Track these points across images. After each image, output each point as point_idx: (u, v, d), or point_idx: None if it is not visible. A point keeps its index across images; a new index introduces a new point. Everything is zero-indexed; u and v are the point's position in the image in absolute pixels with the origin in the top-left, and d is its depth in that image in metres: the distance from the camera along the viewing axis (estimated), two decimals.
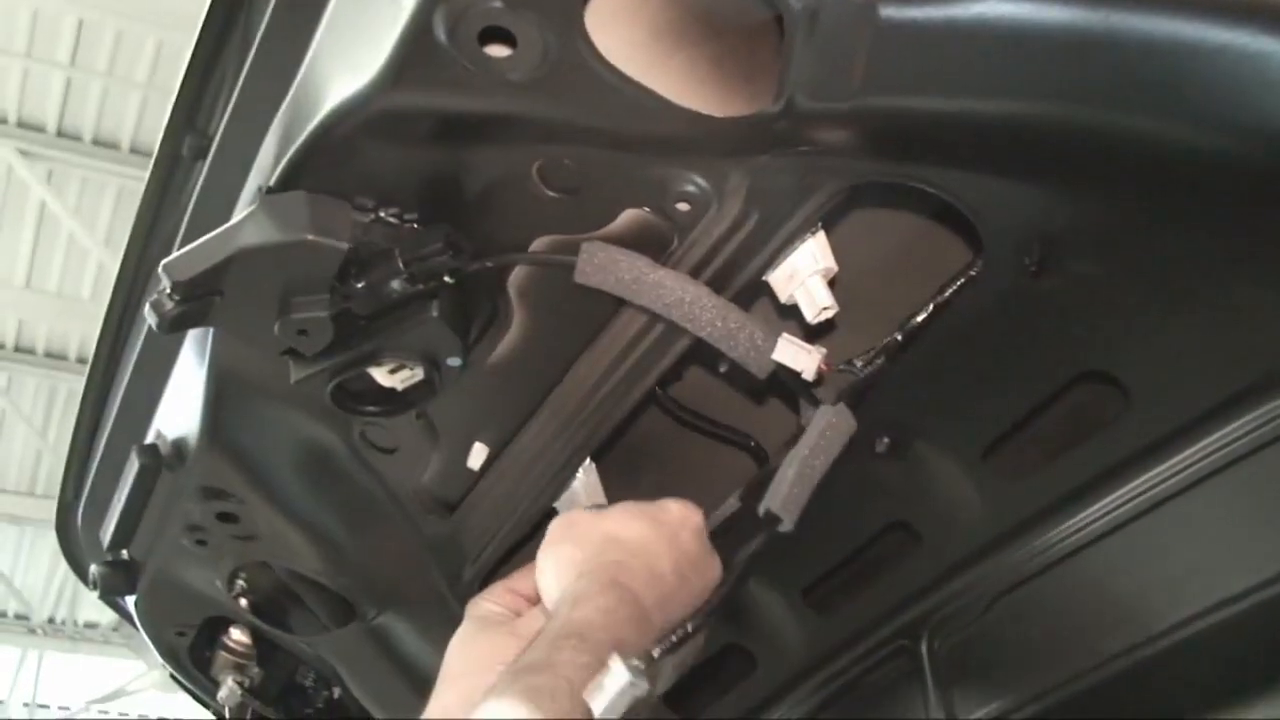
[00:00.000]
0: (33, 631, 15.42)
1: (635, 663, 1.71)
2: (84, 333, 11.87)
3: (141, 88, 9.75)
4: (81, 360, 12.21)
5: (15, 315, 11.86)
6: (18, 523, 13.60)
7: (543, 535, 2.14)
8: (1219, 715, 1.55)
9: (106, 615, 14.14)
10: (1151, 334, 1.54)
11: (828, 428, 1.64)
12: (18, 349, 12.36)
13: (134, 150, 10.21)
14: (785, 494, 1.66)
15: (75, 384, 12.34)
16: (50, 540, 13.35)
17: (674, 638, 1.77)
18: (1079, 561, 1.70)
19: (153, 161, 1.92)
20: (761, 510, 1.69)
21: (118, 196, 10.59)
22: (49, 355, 12.43)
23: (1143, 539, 1.63)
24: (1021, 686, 1.72)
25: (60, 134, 10.24)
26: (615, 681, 1.73)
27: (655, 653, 1.75)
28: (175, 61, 9.45)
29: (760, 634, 2.15)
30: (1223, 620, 1.49)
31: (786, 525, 1.67)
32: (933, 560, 1.91)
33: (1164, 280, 1.49)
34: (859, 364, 1.66)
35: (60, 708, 16.99)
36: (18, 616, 15.38)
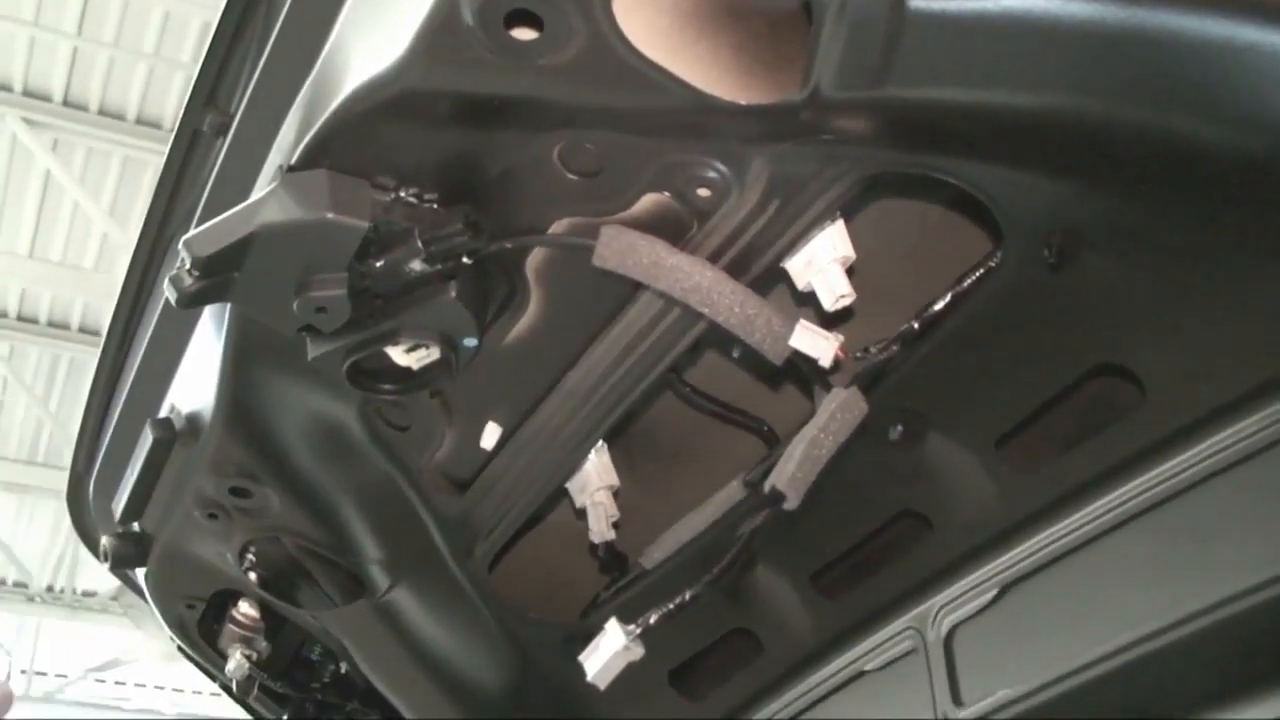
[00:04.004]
0: (31, 599, 15.44)
1: (632, 627, 1.74)
2: (87, 302, 11.87)
3: (149, 58, 9.72)
4: (84, 330, 12.21)
5: (18, 284, 11.83)
6: (18, 491, 13.60)
7: (553, 516, 2.16)
8: (1229, 708, 1.55)
9: (105, 584, 14.17)
10: (1169, 329, 1.55)
11: (838, 410, 1.65)
12: (20, 318, 12.35)
13: (140, 121, 10.17)
14: (791, 472, 1.67)
15: (78, 353, 12.35)
16: (50, 508, 13.37)
17: (672, 605, 1.79)
18: (1090, 553, 1.71)
19: (172, 137, 1.93)
20: (767, 488, 1.70)
21: (123, 166, 10.57)
22: (52, 324, 12.42)
23: (1154, 533, 1.63)
24: (1029, 676, 1.72)
25: (66, 103, 10.21)
26: (611, 644, 1.76)
27: (652, 619, 1.77)
28: (182, 32, 9.44)
29: (768, 618, 2.16)
30: (1234, 615, 1.49)
31: (791, 503, 1.68)
32: (943, 549, 1.91)
33: (1183, 275, 1.49)
34: (875, 351, 1.67)
35: (57, 675, 17.04)
36: (16, 584, 15.39)
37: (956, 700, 1.83)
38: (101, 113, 10.33)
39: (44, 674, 17.08)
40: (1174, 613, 1.56)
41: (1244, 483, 1.54)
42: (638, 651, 1.71)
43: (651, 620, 1.74)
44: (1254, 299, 1.47)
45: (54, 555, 14.94)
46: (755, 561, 2.07)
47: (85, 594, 15.61)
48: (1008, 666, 1.78)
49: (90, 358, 2.30)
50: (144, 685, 17.57)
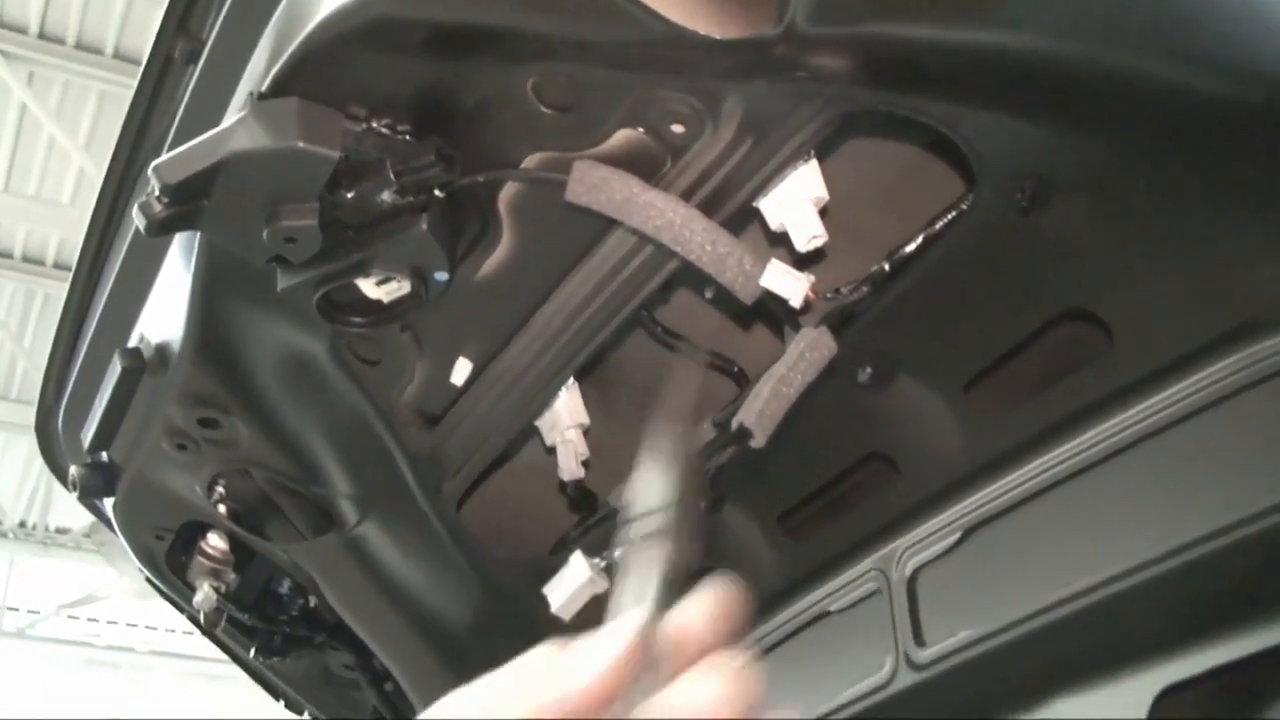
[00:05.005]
0: (3, 535, 15.44)
1: (596, 560, 1.76)
2: (62, 238, 11.80)
3: None
4: (59, 265, 12.14)
5: None
6: None
7: (523, 452, 2.15)
8: (1192, 651, 1.57)
9: (78, 520, 14.15)
10: (1138, 274, 1.55)
11: (807, 349, 1.65)
12: None
13: (117, 55, 10.08)
14: (758, 409, 1.68)
15: (53, 289, 12.29)
16: (24, 444, 13.34)
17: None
18: (1054, 498, 1.71)
19: (144, 64, 1.91)
20: (734, 425, 1.71)
21: (100, 101, 10.47)
22: (26, 259, 12.34)
23: (1118, 478, 1.64)
24: (990, 618, 1.74)
25: (42, 36, 10.11)
26: (575, 577, 1.78)
27: (616, 553, 1.79)
28: None
29: (733, 559, 2.16)
30: (1196, 559, 1.50)
31: (757, 440, 1.69)
32: (909, 491, 1.92)
33: (1153, 221, 1.49)
34: (845, 292, 1.67)
35: (30, 611, 17.05)
36: None
37: (919, 640, 1.84)
38: (79, 46, 10.22)
39: (16, 610, 17.09)
40: (1136, 557, 1.57)
41: (1209, 428, 1.55)
42: (602, 584, 1.73)
43: (616, 554, 1.75)
44: (1222, 245, 1.48)
45: (27, 491, 14.92)
46: (723, 502, 2.08)
47: (58, 530, 15.61)
48: (970, 608, 1.79)
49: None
50: (116, 622, 17.60)
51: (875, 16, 1.30)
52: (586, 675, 0.75)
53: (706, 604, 0.81)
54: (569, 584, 1.67)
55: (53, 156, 11.03)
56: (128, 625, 17.66)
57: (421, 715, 0.79)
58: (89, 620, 17.53)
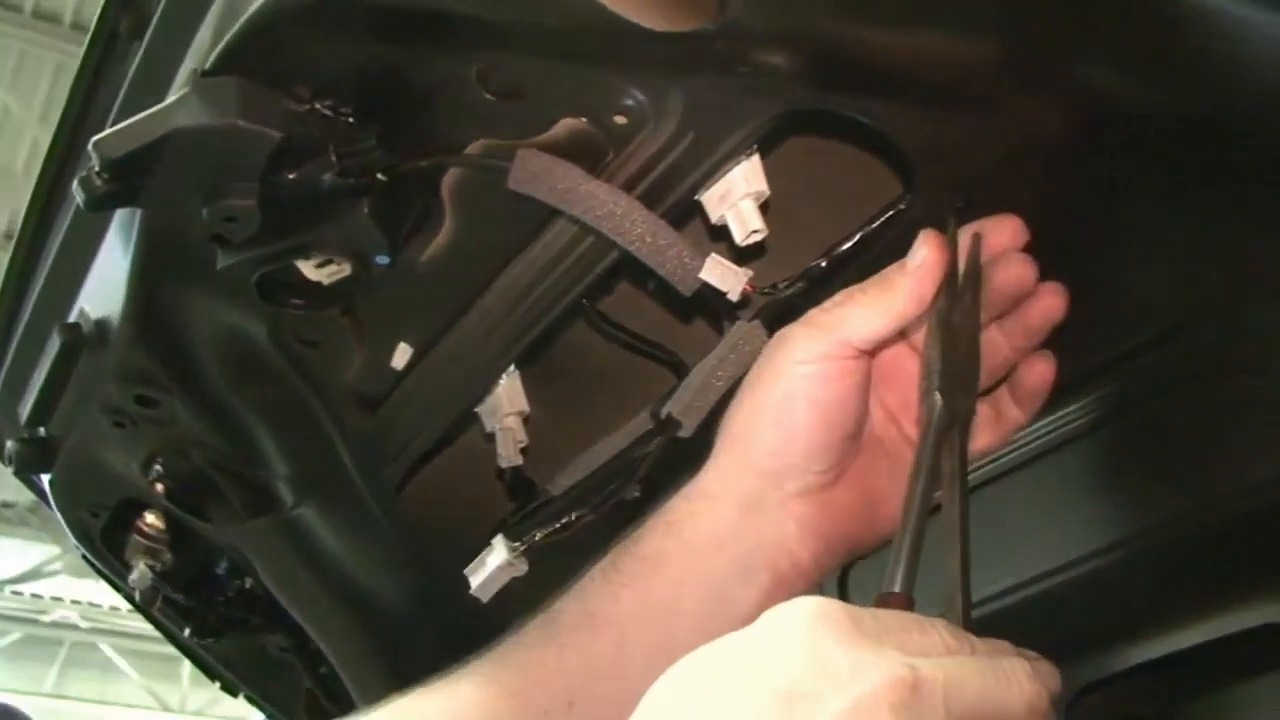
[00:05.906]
0: None
1: (516, 544, 1.77)
2: (14, 207, 11.69)
3: None
4: (10, 236, 12.04)
5: None
6: None
7: (464, 438, 2.15)
8: (1110, 650, 1.59)
9: (23, 496, 14.03)
10: (1071, 278, 1.57)
11: (739, 342, 1.66)
12: None
13: (74, 26, 10.00)
14: (687, 400, 1.69)
15: (2, 260, 12.18)
16: None
17: (559, 524, 1.81)
18: (980, 496, 1.72)
19: (88, 37, 1.90)
20: (662, 414, 1.72)
21: (56, 72, 10.38)
22: None
23: (1041, 480, 1.66)
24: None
25: (0, 4, 10.03)
26: (495, 559, 1.80)
27: (538, 535, 1.80)
28: None
29: None
30: (1115, 560, 1.53)
31: (686, 430, 1.70)
32: None
33: (1088, 225, 1.51)
34: (782, 287, 1.68)
35: None
36: None
37: None
38: (36, 15, 10.13)
39: None
40: (1057, 558, 1.59)
41: (1140, 426, 1.57)
42: (521, 567, 1.75)
43: (536, 537, 1.77)
44: (1157, 250, 1.50)
45: None
46: (658, 493, 2.09)
47: (3, 505, 15.48)
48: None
49: None
50: (61, 599, 17.48)
51: (816, 13, 1.30)
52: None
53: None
54: (489, 566, 1.70)
55: (7, 126, 10.92)
56: (72, 602, 17.55)
57: None
58: (34, 596, 17.41)
